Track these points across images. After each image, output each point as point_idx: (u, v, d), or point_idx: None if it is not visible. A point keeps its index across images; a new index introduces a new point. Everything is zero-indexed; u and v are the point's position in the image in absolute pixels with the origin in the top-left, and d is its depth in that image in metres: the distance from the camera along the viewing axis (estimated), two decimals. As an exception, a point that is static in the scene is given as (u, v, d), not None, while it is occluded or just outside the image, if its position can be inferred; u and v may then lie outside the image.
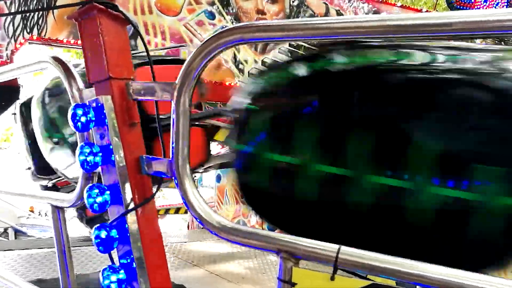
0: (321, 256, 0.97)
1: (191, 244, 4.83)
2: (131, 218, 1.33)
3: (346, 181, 1.12)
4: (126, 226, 1.32)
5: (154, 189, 1.41)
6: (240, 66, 6.24)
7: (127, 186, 1.34)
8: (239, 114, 1.33)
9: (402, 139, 1.10)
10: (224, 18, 6.26)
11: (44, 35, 4.96)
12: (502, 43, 9.47)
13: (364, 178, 1.11)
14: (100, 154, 1.34)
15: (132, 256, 1.33)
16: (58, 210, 1.64)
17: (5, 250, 4.06)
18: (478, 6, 8.94)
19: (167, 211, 8.31)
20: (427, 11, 9.22)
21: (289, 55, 6.85)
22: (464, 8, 8.92)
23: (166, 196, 10.01)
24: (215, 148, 3.21)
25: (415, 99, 1.11)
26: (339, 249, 0.95)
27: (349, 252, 0.95)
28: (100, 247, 1.31)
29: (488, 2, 9.04)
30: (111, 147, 1.34)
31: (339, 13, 7.33)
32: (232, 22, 6.27)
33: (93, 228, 1.32)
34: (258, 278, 3.85)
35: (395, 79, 1.16)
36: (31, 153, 3.60)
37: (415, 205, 1.08)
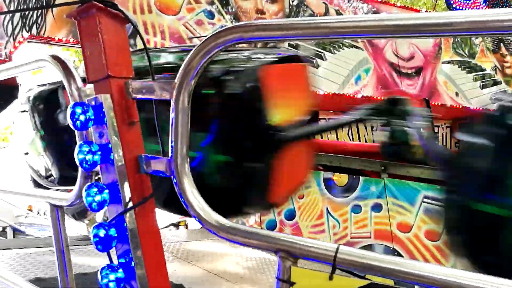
0: (320, 256, 0.97)
1: (190, 244, 4.83)
2: (130, 217, 1.33)
3: None
4: (125, 225, 1.32)
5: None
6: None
7: (126, 185, 1.34)
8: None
9: None
10: (224, 18, 6.26)
11: (43, 34, 4.95)
12: (501, 43, 9.49)
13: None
14: (99, 153, 1.34)
15: (130, 255, 1.33)
16: (57, 209, 1.64)
17: (3, 249, 4.05)
18: (477, 7, 8.95)
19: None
20: (426, 11, 9.23)
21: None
22: (463, 9, 8.92)
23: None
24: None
25: None
26: (337, 248, 0.95)
27: (348, 252, 0.95)
28: (99, 246, 1.31)
29: (487, 3, 9.05)
30: (110, 146, 1.34)
31: (338, 13, 7.33)
32: (232, 22, 6.27)
33: (92, 227, 1.32)
34: (257, 278, 3.85)
35: None
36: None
37: None
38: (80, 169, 1.41)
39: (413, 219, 5.03)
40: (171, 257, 4.18)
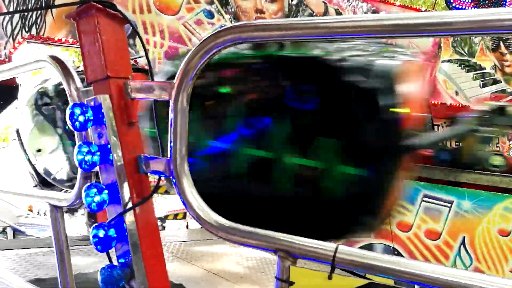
0: (319, 255, 0.97)
1: (190, 243, 4.83)
2: (129, 217, 1.33)
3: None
4: (124, 225, 1.32)
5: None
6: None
7: (125, 186, 1.34)
8: None
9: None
10: (223, 17, 6.26)
11: (43, 34, 4.95)
12: (501, 42, 9.49)
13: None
14: (98, 153, 1.34)
15: (130, 256, 1.33)
16: (56, 210, 1.64)
17: (4, 250, 4.06)
18: (477, 6, 8.95)
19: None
20: (426, 10, 9.22)
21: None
22: (463, 7, 8.92)
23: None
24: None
25: None
26: (336, 248, 0.95)
27: (347, 251, 0.95)
28: (98, 246, 1.31)
29: (487, 2, 9.04)
30: (109, 146, 1.34)
31: (338, 12, 7.33)
32: (231, 21, 6.27)
33: (91, 228, 1.32)
34: (257, 277, 3.85)
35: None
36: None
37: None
38: (79, 169, 1.41)
39: (413, 218, 5.04)
40: (171, 257, 4.18)
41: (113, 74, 1.35)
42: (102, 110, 1.34)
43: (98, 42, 1.34)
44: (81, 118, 1.32)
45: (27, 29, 4.83)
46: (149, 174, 1.38)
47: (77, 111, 1.32)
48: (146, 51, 1.47)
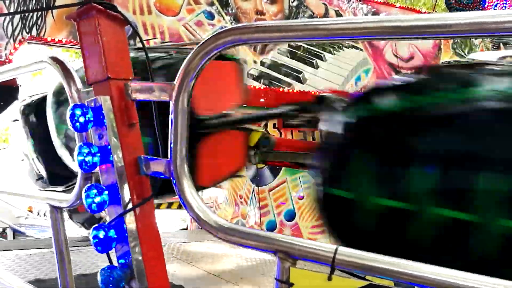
0: (319, 257, 0.97)
1: (190, 245, 4.83)
2: (130, 218, 1.33)
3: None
4: (125, 226, 1.32)
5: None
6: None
7: (126, 187, 1.34)
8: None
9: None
10: (223, 19, 6.26)
11: (43, 35, 4.96)
12: (501, 44, 9.50)
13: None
14: (99, 154, 1.34)
15: (130, 256, 1.33)
16: (56, 210, 1.64)
17: (3, 250, 4.06)
18: (477, 7, 8.96)
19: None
20: (426, 12, 9.23)
21: (288, 55, 6.86)
22: (463, 9, 8.93)
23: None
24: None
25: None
26: (336, 249, 0.95)
27: (347, 253, 0.95)
28: (99, 247, 1.31)
29: (486, 3, 9.06)
30: (109, 147, 1.34)
31: (338, 14, 7.34)
32: (231, 23, 6.27)
33: (92, 228, 1.32)
34: (257, 279, 3.85)
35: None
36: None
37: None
38: (79, 170, 1.41)
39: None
40: (171, 258, 4.18)
41: (113, 75, 1.35)
42: (103, 111, 1.34)
43: (99, 44, 1.34)
44: (81, 119, 1.33)
45: (27, 30, 4.84)
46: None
47: (78, 112, 1.32)
48: (146, 52, 1.47)
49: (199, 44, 1.14)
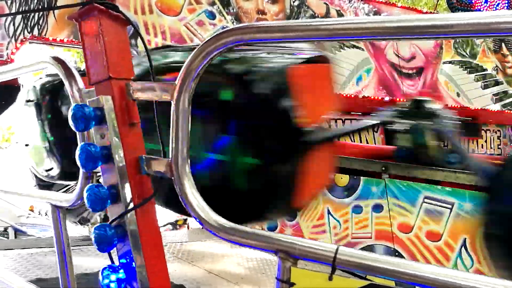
0: (320, 256, 0.98)
1: (191, 244, 4.84)
2: (131, 218, 1.33)
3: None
4: (126, 225, 1.33)
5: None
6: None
7: (127, 186, 1.34)
8: None
9: None
10: (225, 18, 6.27)
11: (45, 35, 4.96)
12: (503, 43, 9.48)
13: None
14: (100, 154, 1.34)
15: (131, 256, 1.33)
16: (58, 210, 1.65)
17: (5, 250, 4.06)
18: (479, 8, 8.95)
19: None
20: (427, 12, 9.22)
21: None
22: (465, 8, 8.92)
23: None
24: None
25: None
26: (337, 249, 0.95)
27: (347, 253, 0.95)
28: (100, 247, 1.31)
29: (488, 3, 9.04)
30: (111, 147, 1.34)
31: (339, 13, 7.34)
32: (233, 22, 6.28)
33: (93, 228, 1.32)
34: (258, 278, 3.85)
35: None
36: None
37: None
38: (81, 170, 1.41)
39: (414, 219, 5.03)
40: (172, 258, 4.19)
41: (115, 75, 1.35)
42: (104, 111, 1.34)
43: (101, 44, 1.34)
44: (83, 119, 1.33)
45: (29, 29, 4.85)
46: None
47: (80, 112, 1.33)
48: (147, 52, 1.48)
49: (201, 44, 1.15)
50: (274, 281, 1.04)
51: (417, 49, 8.16)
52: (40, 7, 4.86)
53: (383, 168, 3.47)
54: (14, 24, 4.75)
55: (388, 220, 5.16)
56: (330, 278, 0.96)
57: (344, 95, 6.67)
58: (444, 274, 0.87)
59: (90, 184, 1.36)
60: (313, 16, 7.08)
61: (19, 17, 4.71)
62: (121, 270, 1.33)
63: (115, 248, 1.36)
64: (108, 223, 1.34)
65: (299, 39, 1.07)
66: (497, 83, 9.33)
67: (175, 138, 1.21)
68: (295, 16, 6.92)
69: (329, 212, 5.36)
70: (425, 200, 4.81)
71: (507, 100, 9.32)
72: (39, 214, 9.89)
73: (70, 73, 1.49)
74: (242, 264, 4.22)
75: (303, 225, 6.84)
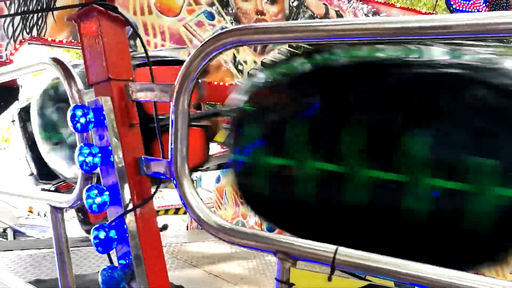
0: (319, 257, 0.98)
1: (190, 245, 4.84)
2: (130, 218, 1.33)
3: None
4: (125, 226, 1.33)
5: (153, 190, 1.41)
6: (240, 66, 6.25)
7: (126, 187, 1.34)
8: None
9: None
10: (224, 19, 6.27)
11: (44, 36, 4.96)
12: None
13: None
14: (99, 155, 1.34)
15: (131, 257, 1.33)
16: (57, 211, 1.64)
17: (4, 251, 4.06)
18: (478, 8, 8.96)
19: (166, 211, 8.33)
20: (426, 12, 9.23)
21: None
22: (463, 9, 8.93)
23: (165, 197, 10.02)
24: (215, 148, 3.21)
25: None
26: (336, 249, 0.95)
27: (347, 253, 0.95)
28: (99, 248, 1.31)
29: (487, 3, 9.06)
30: (110, 148, 1.34)
31: (338, 14, 7.34)
32: (232, 23, 6.28)
33: (92, 229, 1.32)
34: (257, 279, 3.85)
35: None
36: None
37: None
38: (80, 171, 1.41)
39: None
40: (171, 259, 4.19)
41: (114, 76, 1.35)
42: (103, 112, 1.34)
43: (100, 45, 1.34)
44: (82, 120, 1.33)
45: (28, 30, 4.84)
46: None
47: (79, 112, 1.33)
48: (147, 52, 1.48)
49: (200, 45, 1.15)
50: (274, 282, 1.04)
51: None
52: (39, 8, 4.86)
53: None
54: (13, 25, 4.75)
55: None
56: (330, 279, 0.96)
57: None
58: (444, 275, 0.87)
59: (89, 185, 1.36)
60: (312, 16, 7.08)
61: (18, 18, 4.71)
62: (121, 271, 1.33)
63: (114, 249, 1.36)
64: (107, 223, 1.34)
65: (298, 40, 1.07)
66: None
67: (175, 139, 1.21)
68: (294, 17, 6.93)
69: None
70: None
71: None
72: (38, 215, 9.88)
73: (69, 74, 1.49)
74: (242, 264, 4.22)
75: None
